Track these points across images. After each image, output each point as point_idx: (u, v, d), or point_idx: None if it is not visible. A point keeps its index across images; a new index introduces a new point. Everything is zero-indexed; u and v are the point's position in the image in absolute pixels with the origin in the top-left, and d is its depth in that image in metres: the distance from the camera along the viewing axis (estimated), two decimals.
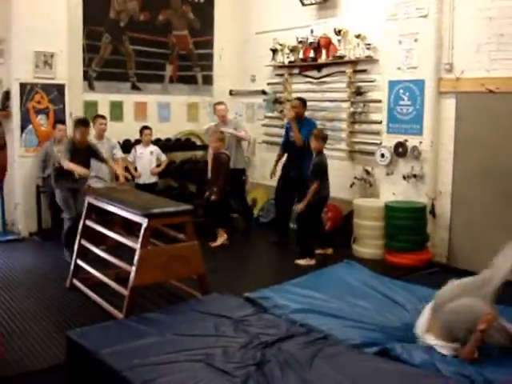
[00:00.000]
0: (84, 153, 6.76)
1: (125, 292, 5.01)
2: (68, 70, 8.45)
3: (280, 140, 8.51)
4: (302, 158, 7.57)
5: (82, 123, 6.79)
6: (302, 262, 7.09)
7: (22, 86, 8.06)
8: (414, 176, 7.18)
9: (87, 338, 4.06)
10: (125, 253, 5.32)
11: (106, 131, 8.07)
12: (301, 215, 7.15)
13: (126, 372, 3.52)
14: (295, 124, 7.67)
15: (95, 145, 7.25)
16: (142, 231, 5.03)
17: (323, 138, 7.13)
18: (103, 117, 8.18)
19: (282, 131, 8.42)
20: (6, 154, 3.70)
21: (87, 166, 6.81)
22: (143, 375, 3.49)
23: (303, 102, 7.85)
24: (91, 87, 9.13)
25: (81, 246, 6.03)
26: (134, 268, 4.95)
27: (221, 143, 8.00)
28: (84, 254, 6.07)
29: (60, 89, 8.37)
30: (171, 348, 3.92)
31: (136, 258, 4.96)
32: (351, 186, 8.07)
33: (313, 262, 7.07)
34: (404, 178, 7.25)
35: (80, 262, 5.97)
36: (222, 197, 7.90)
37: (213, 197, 7.78)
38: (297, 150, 7.69)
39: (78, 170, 6.51)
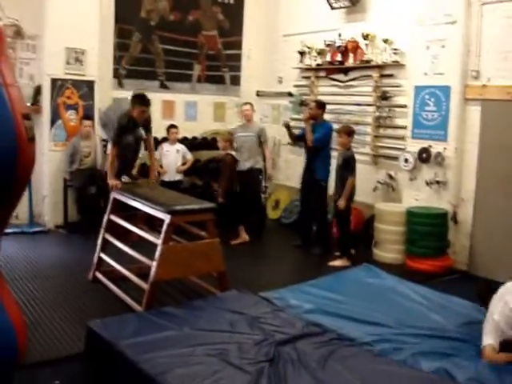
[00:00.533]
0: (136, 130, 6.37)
1: (145, 286, 5.11)
2: (98, 67, 8.62)
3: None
4: (314, 159, 7.69)
5: (140, 102, 6.35)
6: (337, 262, 7.12)
7: (53, 81, 8.24)
8: (437, 182, 7.18)
9: (107, 328, 4.15)
10: (147, 248, 5.42)
11: None
12: (342, 214, 7.23)
13: (143, 363, 3.61)
14: (309, 125, 7.69)
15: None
16: (165, 227, 5.12)
17: (348, 133, 7.19)
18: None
19: None
20: (35, 146, 3.79)
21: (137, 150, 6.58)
22: (159, 367, 3.56)
23: (319, 104, 7.87)
24: (120, 84, 9.28)
25: (104, 240, 6.14)
26: (155, 263, 5.05)
27: (227, 144, 8.09)
28: (107, 248, 6.19)
29: (90, 85, 8.53)
30: (188, 342, 4.00)
31: (157, 253, 5.06)
32: (374, 190, 8.09)
33: (349, 263, 7.09)
34: (427, 183, 7.25)
35: (103, 256, 6.09)
36: (229, 197, 7.96)
37: (220, 199, 7.83)
38: (309, 152, 7.78)
39: (111, 181, 6.21)
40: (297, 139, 8.15)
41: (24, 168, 3.61)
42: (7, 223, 3.95)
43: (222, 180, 8.00)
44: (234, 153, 8.20)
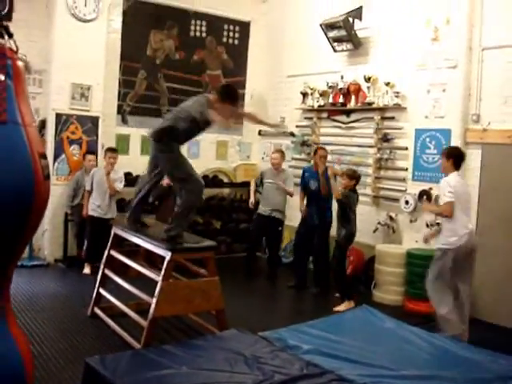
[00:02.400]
0: None
1: (144, 323, 5.09)
2: (103, 103, 8.72)
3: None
4: (324, 204, 7.77)
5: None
6: (342, 307, 6.96)
7: (58, 116, 8.34)
8: (438, 224, 7.18)
9: (105, 365, 4.12)
10: (146, 284, 5.41)
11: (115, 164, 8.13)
12: (335, 257, 7.26)
13: None
14: (323, 176, 7.64)
15: None
16: (165, 264, 5.13)
17: (352, 177, 7.19)
18: (113, 150, 8.20)
19: None
20: (49, 184, 3.92)
21: None
22: None
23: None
24: (124, 121, 9.37)
25: (104, 276, 6.14)
26: (154, 300, 5.04)
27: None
28: (106, 283, 6.18)
29: (94, 121, 8.63)
30: (187, 382, 3.97)
31: (157, 289, 5.05)
32: (374, 231, 8.10)
33: (352, 304, 7.00)
34: (427, 225, 7.27)
35: (102, 291, 6.07)
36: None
37: None
38: (320, 198, 7.79)
39: None
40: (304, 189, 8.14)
41: (39, 205, 3.72)
42: (20, 257, 4.04)
43: None
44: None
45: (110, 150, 8.11)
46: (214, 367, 4.25)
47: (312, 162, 8.40)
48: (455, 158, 6.00)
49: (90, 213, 7.94)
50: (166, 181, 7.97)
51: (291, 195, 8.48)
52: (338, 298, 7.23)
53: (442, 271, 5.89)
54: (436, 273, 5.95)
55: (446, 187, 5.82)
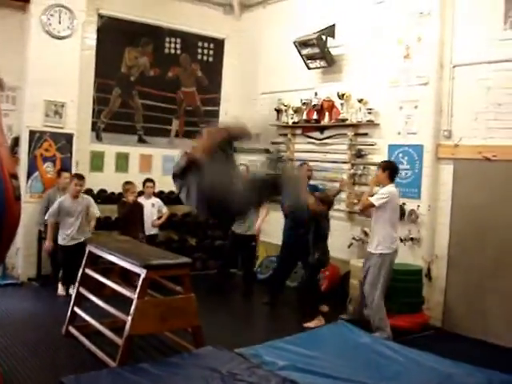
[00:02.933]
0: None
1: (119, 341, 5.05)
2: (77, 120, 8.67)
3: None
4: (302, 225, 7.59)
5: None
6: (312, 323, 6.91)
7: (32, 133, 8.28)
8: (411, 239, 7.27)
9: None
10: (122, 302, 5.37)
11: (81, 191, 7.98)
12: (307, 277, 7.33)
13: None
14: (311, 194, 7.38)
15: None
16: (140, 282, 5.10)
17: (324, 202, 7.17)
18: (80, 177, 7.90)
19: None
20: (20, 205, 3.88)
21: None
22: None
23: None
24: (99, 138, 9.35)
25: (79, 294, 6.08)
26: (130, 318, 5.00)
27: None
28: (81, 301, 6.13)
29: (68, 138, 8.57)
30: None
31: (132, 307, 5.02)
32: (349, 246, 8.15)
33: (323, 321, 6.97)
34: (401, 240, 7.32)
35: (77, 310, 6.01)
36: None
37: None
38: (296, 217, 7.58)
39: None
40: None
41: (10, 226, 3.67)
42: None
43: None
44: None
45: (78, 176, 7.87)
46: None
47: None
48: (391, 170, 6.60)
49: (61, 242, 7.73)
50: (131, 197, 8.03)
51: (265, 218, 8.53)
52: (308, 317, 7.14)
53: (382, 275, 6.41)
54: (378, 277, 6.39)
55: (381, 193, 6.47)
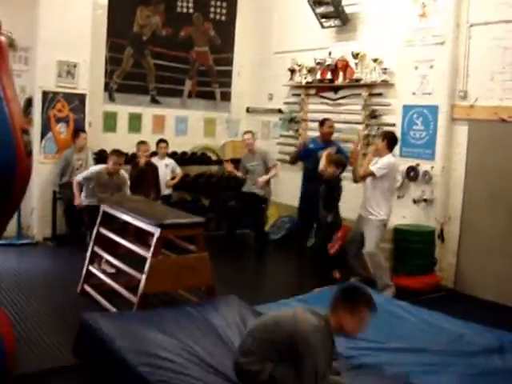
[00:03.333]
0: None
1: (134, 299, 5.12)
2: (90, 80, 8.65)
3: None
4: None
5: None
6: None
7: (45, 93, 8.27)
8: (425, 200, 7.26)
9: (99, 322, 4.23)
10: (136, 261, 5.43)
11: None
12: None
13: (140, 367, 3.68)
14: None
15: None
16: (154, 241, 5.15)
17: (338, 165, 7.12)
18: (120, 153, 7.43)
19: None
20: (32, 160, 3.93)
21: None
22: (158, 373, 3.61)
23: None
24: (111, 98, 9.33)
25: (93, 253, 6.15)
26: (144, 276, 5.07)
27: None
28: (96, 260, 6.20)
29: (81, 99, 8.56)
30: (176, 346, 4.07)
31: (147, 266, 5.08)
32: None
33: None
34: (414, 201, 7.34)
35: (92, 269, 6.09)
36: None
37: None
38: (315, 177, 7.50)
39: None
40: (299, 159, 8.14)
41: (21, 180, 3.71)
42: (2, 233, 4.03)
43: None
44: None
45: (117, 153, 7.32)
46: (202, 330, 4.37)
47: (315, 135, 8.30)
48: (389, 139, 6.70)
49: (85, 203, 7.42)
50: (142, 159, 8.03)
51: (278, 175, 8.56)
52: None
53: (380, 238, 6.67)
54: (377, 240, 6.61)
55: (381, 163, 6.55)
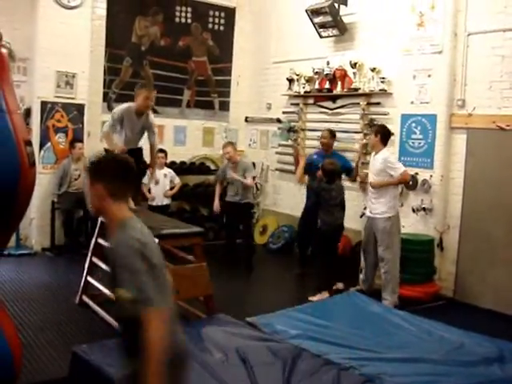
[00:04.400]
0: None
1: None
2: (88, 90, 8.67)
3: (292, 168, 8.68)
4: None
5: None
6: (315, 297, 6.76)
7: (43, 104, 8.28)
8: (424, 209, 7.25)
9: (93, 353, 4.14)
10: None
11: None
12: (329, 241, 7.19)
13: None
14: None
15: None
16: None
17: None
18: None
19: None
20: (35, 171, 3.98)
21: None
22: None
23: (333, 133, 7.99)
24: (110, 108, 9.29)
25: (92, 264, 6.13)
26: None
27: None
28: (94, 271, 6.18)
29: (80, 109, 8.58)
30: None
31: None
32: (361, 216, 8.11)
33: (327, 295, 6.84)
34: (413, 210, 7.32)
35: (90, 279, 6.07)
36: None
37: None
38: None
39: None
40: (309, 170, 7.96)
41: (25, 192, 3.75)
42: (6, 244, 4.06)
43: None
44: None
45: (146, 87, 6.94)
46: (200, 353, 4.29)
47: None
48: (382, 134, 6.68)
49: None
50: None
51: (251, 185, 8.38)
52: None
53: (396, 235, 6.61)
54: (393, 238, 6.55)
55: (390, 159, 6.58)
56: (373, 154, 6.90)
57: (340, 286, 7.32)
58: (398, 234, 6.66)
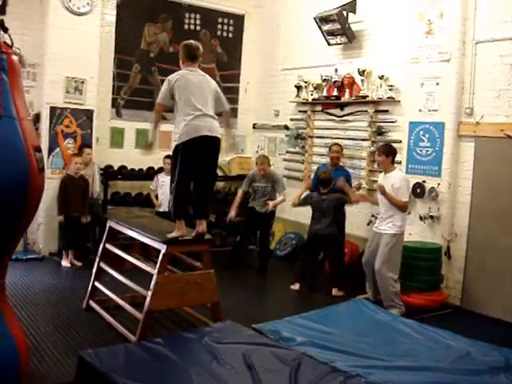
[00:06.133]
0: None
1: (139, 316, 5.11)
2: (97, 96, 8.72)
3: (300, 175, 8.70)
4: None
5: None
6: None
7: (53, 109, 8.33)
8: (431, 217, 7.23)
9: (99, 359, 4.15)
10: (141, 277, 5.43)
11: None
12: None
13: None
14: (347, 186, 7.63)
15: None
16: (160, 257, 5.15)
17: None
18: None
19: (303, 166, 8.62)
20: (44, 176, 4.04)
21: None
22: None
23: (341, 147, 8.12)
24: (119, 114, 9.37)
25: (99, 269, 6.15)
26: (149, 293, 5.06)
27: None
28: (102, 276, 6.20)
29: (88, 114, 8.62)
30: (181, 375, 4.02)
31: (152, 282, 5.07)
32: (368, 223, 8.12)
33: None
34: (421, 218, 7.31)
35: (97, 284, 6.09)
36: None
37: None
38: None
39: None
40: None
41: (34, 197, 3.81)
42: (15, 248, 4.12)
43: None
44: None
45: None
46: (205, 360, 4.30)
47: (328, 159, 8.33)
48: (393, 155, 6.91)
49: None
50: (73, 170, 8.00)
51: (284, 200, 8.45)
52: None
53: (398, 253, 6.71)
54: (391, 257, 6.64)
55: (406, 185, 6.77)
56: (382, 174, 7.03)
57: (296, 286, 7.50)
58: (400, 253, 6.74)
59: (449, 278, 7.15)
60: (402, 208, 6.72)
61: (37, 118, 8.38)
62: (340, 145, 8.24)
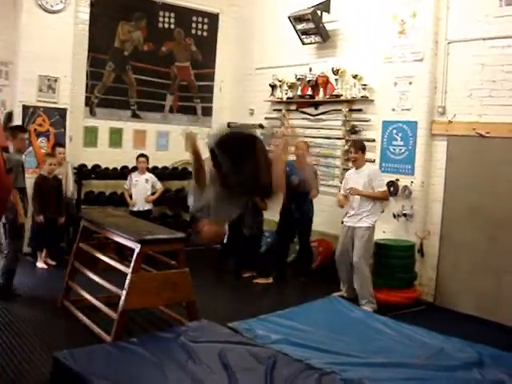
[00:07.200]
0: None
1: (114, 316, 5.08)
2: (70, 95, 8.64)
3: None
4: (304, 199, 7.73)
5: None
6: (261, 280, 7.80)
7: (25, 108, 8.24)
8: (404, 215, 7.30)
9: (74, 359, 4.13)
10: (116, 277, 5.40)
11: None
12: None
13: None
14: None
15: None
16: (135, 256, 5.13)
17: None
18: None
19: None
20: (11, 178, 3.97)
21: None
22: None
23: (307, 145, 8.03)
24: (92, 113, 9.30)
25: (73, 268, 6.11)
26: (124, 292, 5.03)
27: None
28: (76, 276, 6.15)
29: (62, 113, 8.54)
30: (157, 375, 4.01)
31: (127, 282, 5.05)
32: (342, 222, 8.15)
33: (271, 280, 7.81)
34: (394, 216, 7.37)
35: (71, 284, 6.04)
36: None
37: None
38: (300, 193, 7.59)
39: None
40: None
41: (1, 197, 3.71)
42: None
43: None
44: None
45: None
46: (181, 359, 4.29)
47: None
48: (365, 149, 7.12)
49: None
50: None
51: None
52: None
53: (371, 246, 6.88)
54: (369, 249, 6.81)
55: (380, 175, 7.00)
56: (353, 169, 7.11)
57: (270, 280, 7.83)
58: (372, 246, 6.92)
59: (422, 276, 7.22)
60: (385, 197, 6.94)
61: (9, 117, 8.28)
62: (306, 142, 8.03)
